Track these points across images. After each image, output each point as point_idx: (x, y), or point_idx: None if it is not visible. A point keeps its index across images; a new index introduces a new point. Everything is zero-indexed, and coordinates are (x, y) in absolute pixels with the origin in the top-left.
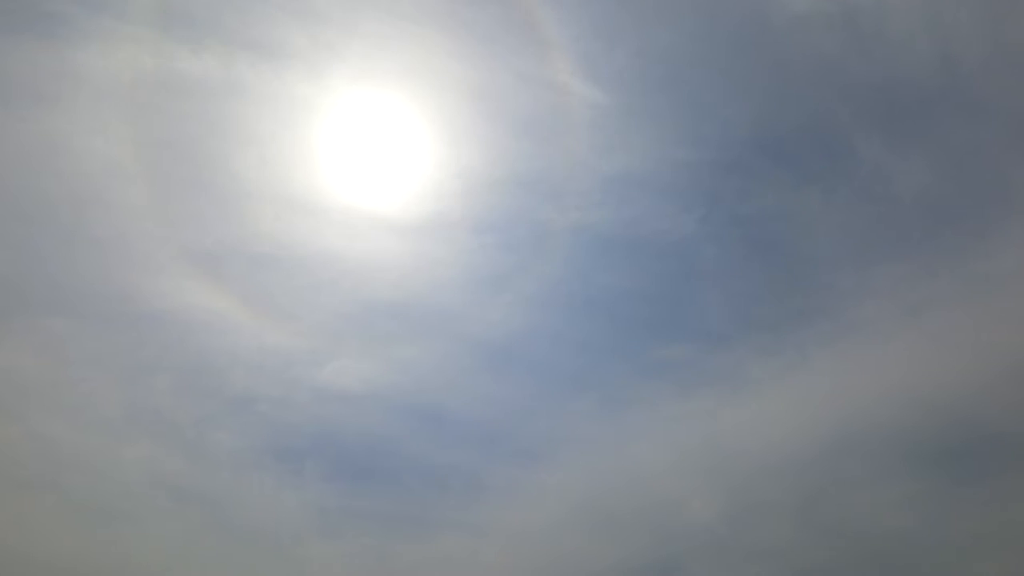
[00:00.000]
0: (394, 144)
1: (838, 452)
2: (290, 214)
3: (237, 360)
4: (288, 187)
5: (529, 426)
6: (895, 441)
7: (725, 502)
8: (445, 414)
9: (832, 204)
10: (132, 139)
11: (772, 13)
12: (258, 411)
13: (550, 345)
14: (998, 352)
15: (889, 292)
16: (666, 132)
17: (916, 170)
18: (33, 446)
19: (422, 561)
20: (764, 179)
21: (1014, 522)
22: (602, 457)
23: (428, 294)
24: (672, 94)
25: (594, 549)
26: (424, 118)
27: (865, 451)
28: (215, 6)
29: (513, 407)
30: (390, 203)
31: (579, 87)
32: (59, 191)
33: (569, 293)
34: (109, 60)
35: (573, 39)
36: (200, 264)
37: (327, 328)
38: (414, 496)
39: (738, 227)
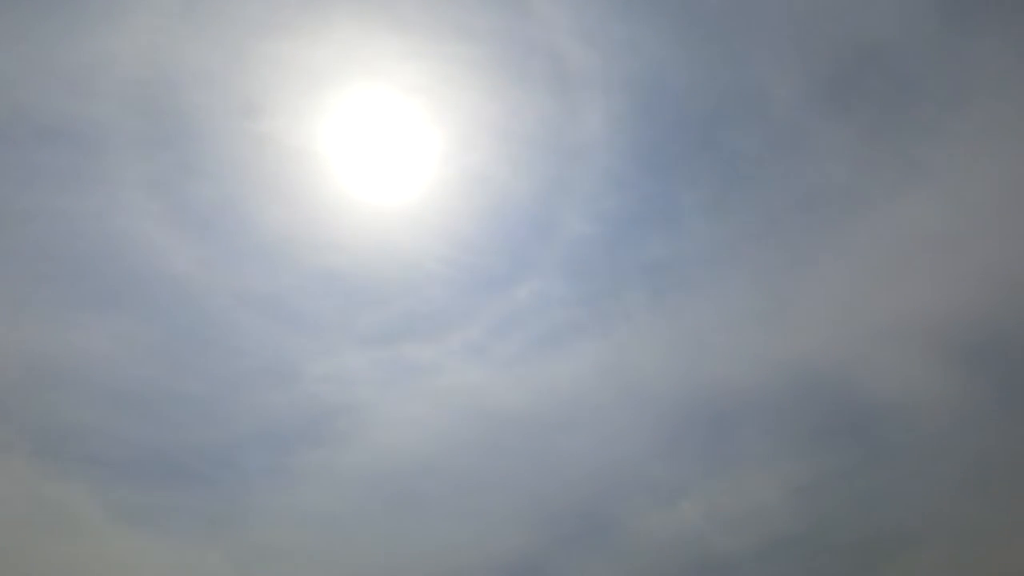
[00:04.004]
0: None
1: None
2: None
3: None
4: None
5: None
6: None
7: (565, 484)
8: (197, 390)
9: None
10: None
11: None
12: None
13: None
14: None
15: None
16: None
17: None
18: None
19: (238, 554)
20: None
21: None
22: (402, 433)
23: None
24: None
25: (422, 533)
26: None
27: (728, 427)
28: None
29: (269, 381)
30: None
31: None
32: None
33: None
34: None
35: None
36: None
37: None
38: (212, 485)
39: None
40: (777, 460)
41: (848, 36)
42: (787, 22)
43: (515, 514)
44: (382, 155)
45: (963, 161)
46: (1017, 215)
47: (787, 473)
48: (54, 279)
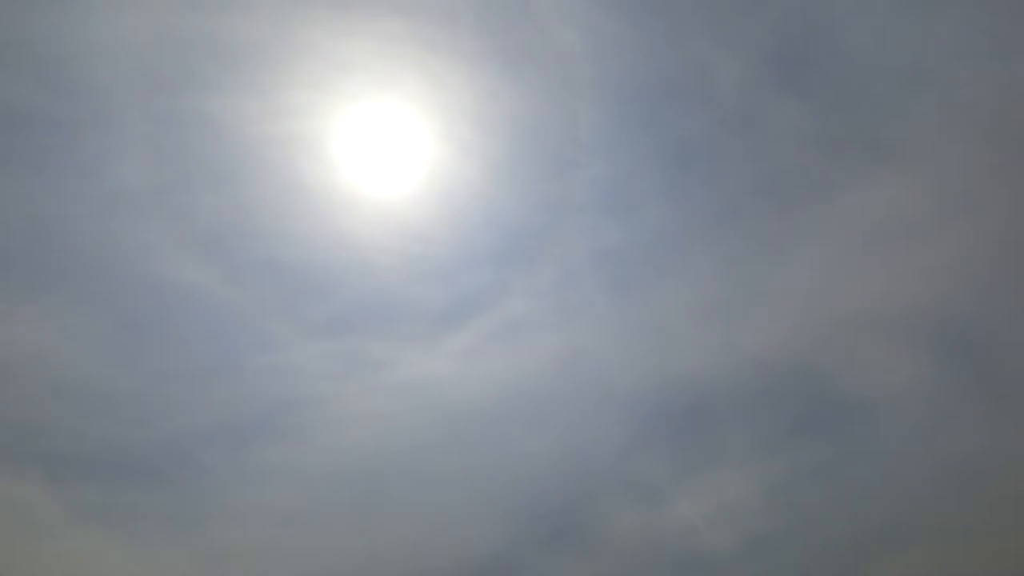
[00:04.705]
0: None
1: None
2: None
3: None
4: None
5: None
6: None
7: (534, 482)
8: (149, 385)
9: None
10: None
11: None
12: None
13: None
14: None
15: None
16: None
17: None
18: None
19: (200, 553)
20: None
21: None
22: (363, 428)
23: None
24: None
25: (389, 532)
26: None
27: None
28: None
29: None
30: None
31: None
32: None
33: None
34: None
35: None
36: None
37: None
38: (171, 482)
39: None
40: (751, 457)
41: (791, 9)
42: None
43: (483, 512)
44: (319, 137)
45: (929, 143)
46: (989, 198)
47: (762, 470)
48: None
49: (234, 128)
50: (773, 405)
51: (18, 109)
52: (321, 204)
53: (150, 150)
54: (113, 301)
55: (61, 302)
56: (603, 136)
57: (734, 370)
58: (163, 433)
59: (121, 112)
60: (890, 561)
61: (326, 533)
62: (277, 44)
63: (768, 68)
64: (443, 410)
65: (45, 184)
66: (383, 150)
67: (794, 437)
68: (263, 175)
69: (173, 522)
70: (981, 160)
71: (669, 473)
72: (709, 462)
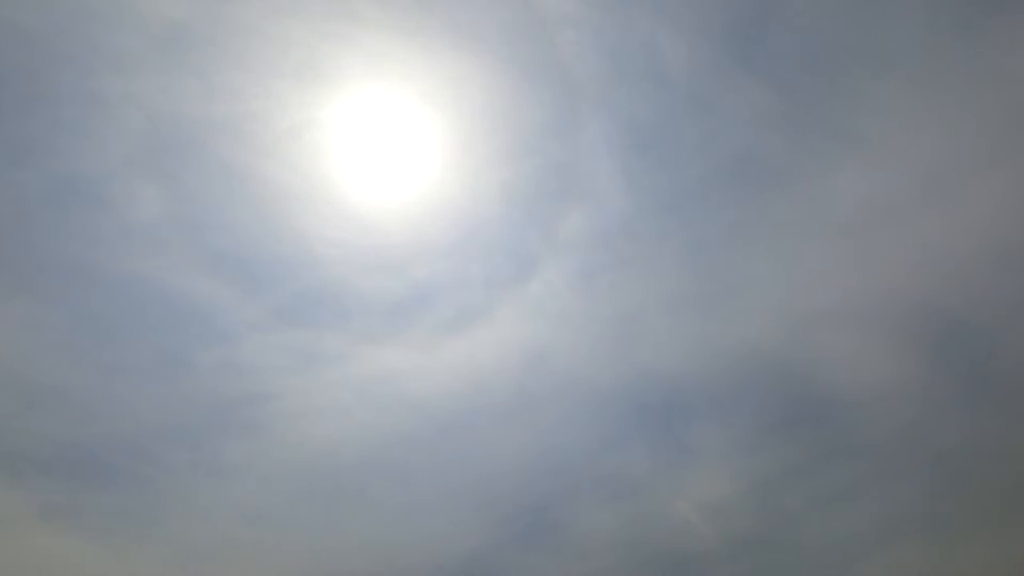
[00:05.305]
0: None
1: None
2: None
3: None
4: None
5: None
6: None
7: (503, 478)
8: (104, 381)
9: None
10: None
11: None
12: None
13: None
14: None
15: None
16: None
17: None
18: None
19: (155, 553)
20: None
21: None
22: (326, 424)
23: None
24: None
25: (359, 530)
26: None
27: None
28: None
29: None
30: None
31: None
32: None
33: None
34: None
35: None
36: None
37: None
38: (136, 481)
39: None
40: (729, 454)
41: None
42: None
43: (451, 508)
44: (266, 123)
45: (896, 128)
46: (960, 183)
47: (740, 468)
48: None
49: (168, 111)
50: (750, 401)
51: None
52: (266, 194)
53: (79, 135)
54: (63, 296)
55: (8, 297)
56: (554, 121)
57: (708, 365)
58: (119, 430)
59: (43, 95)
60: (872, 561)
61: (290, 531)
62: (208, 22)
63: (715, 48)
64: (403, 405)
65: None
66: (325, 137)
67: (773, 434)
68: (203, 162)
69: (134, 520)
70: (950, 145)
71: (644, 470)
72: (686, 459)
